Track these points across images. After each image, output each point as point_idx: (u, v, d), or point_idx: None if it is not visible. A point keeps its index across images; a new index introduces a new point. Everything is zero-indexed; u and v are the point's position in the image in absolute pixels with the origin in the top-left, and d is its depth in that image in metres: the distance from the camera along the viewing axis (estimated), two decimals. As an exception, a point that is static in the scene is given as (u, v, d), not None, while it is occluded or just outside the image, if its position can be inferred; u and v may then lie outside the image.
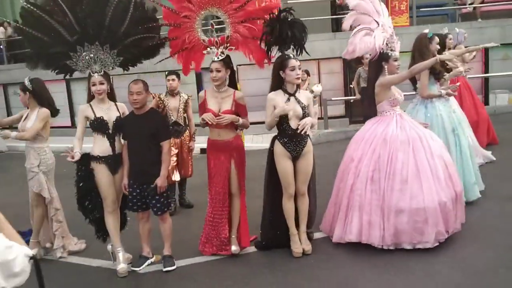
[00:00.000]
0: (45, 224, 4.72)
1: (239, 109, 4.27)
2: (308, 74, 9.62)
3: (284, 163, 4.10)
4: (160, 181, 4.00)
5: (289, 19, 4.07)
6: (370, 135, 4.29)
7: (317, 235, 4.59)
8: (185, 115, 5.70)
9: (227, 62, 4.21)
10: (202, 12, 4.19)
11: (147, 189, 4.04)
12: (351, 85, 9.83)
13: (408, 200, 3.93)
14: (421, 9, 11.94)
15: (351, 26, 4.28)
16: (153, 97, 5.56)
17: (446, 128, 5.11)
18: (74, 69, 4.12)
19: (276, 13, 4.06)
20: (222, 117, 4.11)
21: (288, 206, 4.19)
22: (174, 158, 5.54)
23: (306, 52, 4.19)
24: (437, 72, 5.15)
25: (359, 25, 4.23)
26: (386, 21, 4.28)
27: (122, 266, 4.15)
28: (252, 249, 4.46)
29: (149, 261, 4.30)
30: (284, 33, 4.05)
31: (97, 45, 3.99)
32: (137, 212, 4.22)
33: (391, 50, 4.30)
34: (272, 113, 4.01)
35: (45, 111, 4.51)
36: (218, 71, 4.15)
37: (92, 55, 4.01)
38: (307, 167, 4.17)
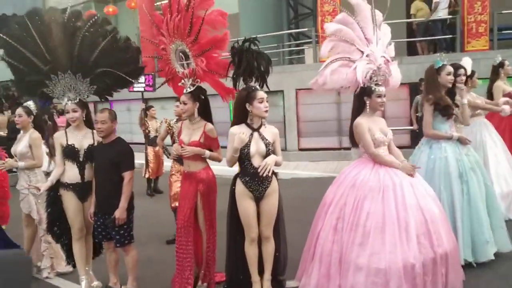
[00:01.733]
0: (37, 243, 4.88)
1: (209, 141, 4.10)
2: None
3: (245, 204, 3.79)
4: (118, 213, 3.91)
5: (254, 50, 3.82)
6: (344, 178, 3.82)
7: (292, 284, 4.16)
8: None
9: (196, 94, 4.10)
10: (173, 45, 4.10)
11: (107, 220, 3.98)
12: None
13: (368, 257, 3.38)
14: (503, 32, 10.70)
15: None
16: (164, 122, 5.71)
17: (451, 173, 4.35)
18: (52, 96, 4.24)
19: (241, 43, 3.83)
20: (184, 148, 3.99)
21: (250, 251, 3.85)
22: (178, 185, 5.49)
23: (267, 86, 3.89)
24: (442, 108, 4.45)
25: (338, 53, 3.82)
26: (377, 51, 3.80)
27: None
28: (218, 291, 4.19)
29: (115, 292, 4.22)
30: (251, 64, 3.81)
31: (70, 73, 4.06)
32: (103, 242, 4.19)
33: (376, 84, 3.80)
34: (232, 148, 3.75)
35: (39, 135, 4.71)
36: (185, 103, 4.10)
37: (66, 84, 4.08)
38: (271, 209, 3.81)
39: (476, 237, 4.25)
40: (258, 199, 3.79)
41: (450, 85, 4.55)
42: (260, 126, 3.80)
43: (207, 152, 4.06)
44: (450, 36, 10.85)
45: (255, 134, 3.76)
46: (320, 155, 11.24)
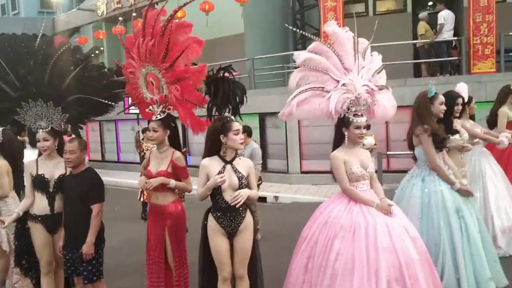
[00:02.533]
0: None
1: (177, 170, 3.93)
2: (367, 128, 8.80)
3: (217, 240, 3.57)
4: (85, 248, 3.73)
5: (230, 79, 3.66)
6: (320, 214, 3.61)
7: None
8: None
9: (166, 121, 3.95)
10: (143, 69, 3.94)
11: (74, 255, 3.80)
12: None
13: None
14: (510, 54, 10.39)
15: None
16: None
17: (448, 208, 4.08)
18: (24, 124, 4.10)
19: (216, 72, 3.66)
20: (149, 182, 3.82)
21: (223, 289, 3.63)
22: None
23: (239, 116, 3.71)
24: (439, 141, 4.21)
25: (310, 83, 3.63)
26: (357, 80, 3.59)
27: None
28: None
29: (83, 330, 4.01)
30: (227, 94, 3.63)
31: (41, 101, 3.92)
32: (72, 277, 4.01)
33: (355, 115, 3.58)
34: (205, 184, 3.54)
35: (4, 163, 4.46)
36: (155, 131, 3.94)
37: (37, 112, 3.95)
38: (245, 246, 3.58)
39: (479, 275, 3.97)
40: (231, 235, 3.57)
41: (442, 115, 4.33)
42: (233, 159, 3.60)
43: (173, 182, 3.87)
44: (456, 58, 10.60)
45: (228, 166, 3.55)
46: (323, 178, 10.91)
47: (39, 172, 3.96)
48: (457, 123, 4.87)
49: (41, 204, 3.96)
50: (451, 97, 4.75)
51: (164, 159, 3.95)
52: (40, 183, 3.95)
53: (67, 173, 3.98)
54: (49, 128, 3.98)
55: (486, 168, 5.31)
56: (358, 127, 3.56)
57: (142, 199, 8.51)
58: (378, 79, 3.84)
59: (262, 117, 11.81)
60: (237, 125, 3.55)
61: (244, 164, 3.62)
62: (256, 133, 11.60)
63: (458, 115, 4.82)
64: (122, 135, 15.49)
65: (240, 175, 3.53)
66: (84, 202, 3.80)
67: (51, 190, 3.96)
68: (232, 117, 3.64)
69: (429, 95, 4.32)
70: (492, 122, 6.10)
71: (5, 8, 28.12)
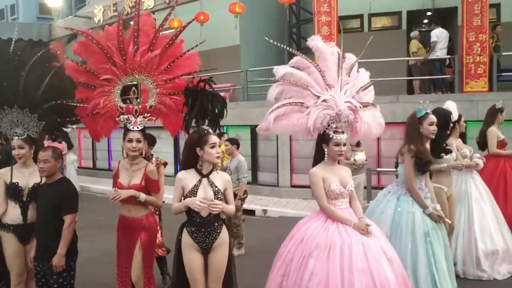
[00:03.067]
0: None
1: (149, 184, 3.85)
2: (358, 143, 8.75)
3: (190, 256, 3.47)
4: (56, 260, 3.62)
5: (209, 91, 3.59)
6: (297, 231, 3.53)
7: None
8: None
9: (145, 132, 3.86)
10: (126, 78, 3.86)
11: (45, 266, 3.69)
12: None
13: None
14: (503, 74, 10.39)
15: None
16: None
17: (416, 231, 4.03)
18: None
19: (195, 84, 3.60)
20: (117, 192, 3.72)
21: (196, 308, 3.52)
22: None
23: (219, 129, 3.64)
24: (422, 164, 4.15)
25: (289, 98, 3.57)
26: (339, 96, 3.53)
27: None
28: None
29: None
30: (205, 106, 3.57)
31: (17, 108, 3.84)
32: None
33: (335, 132, 3.51)
34: (182, 201, 3.45)
35: None
36: (139, 141, 3.84)
37: (13, 118, 3.87)
38: (220, 263, 3.48)
39: None
40: (205, 251, 3.47)
41: (433, 136, 4.27)
42: (210, 172, 3.52)
43: (143, 196, 3.79)
44: (448, 76, 10.61)
45: (204, 180, 3.47)
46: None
47: (13, 180, 3.87)
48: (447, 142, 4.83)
49: (14, 213, 3.86)
50: (445, 115, 4.71)
51: (137, 172, 3.85)
52: (13, 191, 3.86)
53: (42, 182, 3.89)
54: (25, 136, 3.90)
55: (472, 189, 5.24)
56: (337, 144, 3.50)
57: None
58: (363, 96, 3.79)
59: (254, 129, 11.74)
60: (213, 139, 3.47)
61: (221, 178, 3.53)
62: (247, 145, 11.57)
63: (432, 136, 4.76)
64: (114, 143, 15.35)
65: (216, 189, 3.45)
66: (57, 212, 3.69)
67: (24, 199, 3.87)
68: (210, 130, 3.55)
69: (418, 115, 4.27)
70: (482, 143, 6.05)
71: (3, 13, 28.10)
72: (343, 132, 3.53)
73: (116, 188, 3.80)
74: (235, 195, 6.42)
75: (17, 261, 3.87)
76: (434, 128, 4.28)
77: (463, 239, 5.08)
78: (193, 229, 3.46)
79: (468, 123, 8.25)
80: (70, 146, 12.62)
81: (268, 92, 3.61)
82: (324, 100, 3.49)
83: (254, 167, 11.69)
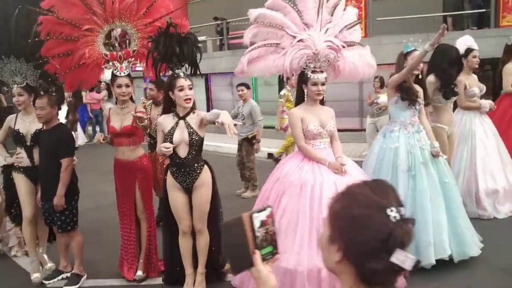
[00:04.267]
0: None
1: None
2: (382, 84, 8.54)
3: (174, 195, 3.66)
4: (56, 200, 3.91)
5: (178, 34, 3.60)
6: (276, 170, 3.62)
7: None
8: None
9: (131, 77, 3.98)
10: (107, 26, 3.95)
11: (49, 206, 4.01)
12: None
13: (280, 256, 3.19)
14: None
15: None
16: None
17: (399, 165, 4.00)
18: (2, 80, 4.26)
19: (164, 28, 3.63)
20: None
21: (182, 243, 3.75)
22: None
23: (199, 72, 3.68)
24: (404, 90, 4.09)
25: (265, 40, 3.54)
26: (318, 35, 3.48)
27: (35, 276, 4.24)
28: (159, 280, 4.12)
29: (63, 275, 4.28)
30: (171, 50, 3.60)
31: (14, 58, 4.05)
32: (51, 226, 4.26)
33: (313, 71, 3.49)
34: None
35: None
36: (128, 86, 3.98)
37: (11, 67, 4.09)
38: (201, 202, 3.65)
39: (418, 237, 3.83)
40: (188, 190, 3.65)
41: (418, 73, 4.16)
42: (187, 114, 3.61)
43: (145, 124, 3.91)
44: (483, 10, 9.95)
45: (181, 122, 3.58)
46: (340, 137, 10.78)
47: (16, 127, 4.15)
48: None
49: (22, 157, 4.17)
50: (452, 51, 4.55)
51: (127, 115, 3.99)
52: (16, 137, 4.15)
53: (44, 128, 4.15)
54: (24, 84, 4.12)
55: (477, 128, 5.08)
56: (315, 84, 3.49)
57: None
58: (347, 35, 3.72)
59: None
60: (181, 82, 3.51)
61: (197, 119, 3.61)
62: (275, 90, 11.51)
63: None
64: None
65: (191, 130, 3.55)
66: (55, 156, 3.95)
67: (28, 144, 4.15)
68: (181, 73, 3.58)
69: (405, 51, 4.16)
70: (500, 83, 5.77)
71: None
72: (322, 72, 3.50)
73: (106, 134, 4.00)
74: (253, 139, 6.60)
75: (29, 200, 4.18)
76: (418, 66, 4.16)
77: (464, 178, 4.99)
78: (174, 169, 3.63)
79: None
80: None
81: (244, 36, 3.60)
82: (301, 40, 3.46)
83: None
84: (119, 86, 3.94)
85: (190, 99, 3.52)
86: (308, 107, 3.61)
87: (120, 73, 3.96)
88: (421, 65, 4.18)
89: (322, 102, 3.70)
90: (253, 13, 3.53)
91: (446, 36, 10.10)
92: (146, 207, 4.11)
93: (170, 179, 3.67)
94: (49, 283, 4.21)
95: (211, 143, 10.22)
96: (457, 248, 3.92)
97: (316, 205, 3.21)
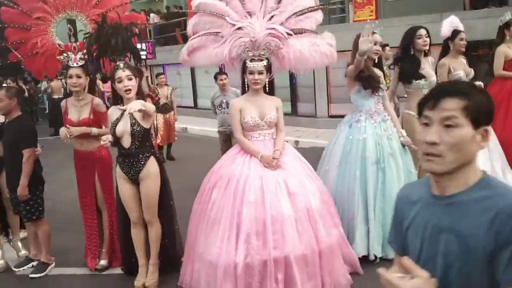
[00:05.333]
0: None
1: (98, 116, 4.00)
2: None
3: (122, 186, 3.68)
4: (18, 190, 4.00)
5: (109, 26, 3.57)
6: (217, 162, 3.56)
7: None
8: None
9: (86, 68, 3.99)
10: (60, 15, 3.96)
11: (13, 195, 4.11)
12: None
13: (204, 248, 3.23)
14: None
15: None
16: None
17: (367, 157, 3.84)
18: None
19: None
20: (69, 130, 3.89)
21: (133, 233, 3.76)
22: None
23: (140, 62, 3.64)
24: (364, 78, 3.89)
25: (207, 29, 3.45)
26: (259, 23, 3.37)
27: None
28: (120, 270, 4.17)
29: (33, 263, 4.39)
30: (104, 42, 3.57)
31: None
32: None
33: (252, 60, 3.37)
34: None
35: None
36: (79, 77, 3.95)
37: None
38: (147, 193, 3.63)
39: (387, 230, 3.71)
40: (135, 181, 3.65)
41: (376, 57, 3.96)
42: None
43: (95, 130, 3.95)
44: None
45: (125, 113, 3.54)
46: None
47: None
48: (426, 63, 4.42)
49: None
50: (409, 32, 4.32)
51: (84, 106, 4.00)
52: None
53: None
54: None
55: None
56: (251, 72, 3.38)
57: (157, 142, 8.86)
58: (296, 22, 3.58)
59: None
60: (119, 73, 3.50)
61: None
62: (286, 76, 11.35)
63: (426, 48, 4.35)
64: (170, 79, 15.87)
65: (134, 121, 3.53)
66: (17, 147, 4.03)
67: None
68: (121, 64, 3.55)
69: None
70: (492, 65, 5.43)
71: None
72: (260, 60, 3.39)
73: (68, 126, 4.02)
74: None
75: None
76: (377, 47, 3.96)
77: None
78: (120, 159, 3.64)
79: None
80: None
81: (187, 26, 3.54)
82: (240, 28, 3.35)
83: (293, 99, 11.55)
84: (70, 76, 3.92)
85: (130, 89, 3.50)
86: (249, 98, 3.52)
87: (73, 64, 3.96)
88: (379, 49, 3.97)
89: (268, 92, 3.58)
90: (194, 2, 3.46)
91: (464, 16, 9.60)
92: (106, 197, 4.13)
93: (118, 169, 3.68)
94: (18, 271, 4.33)
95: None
96: None
97: (238, 199, 3.15)
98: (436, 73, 4.70)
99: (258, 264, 3.01)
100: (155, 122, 8.70)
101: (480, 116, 1.32)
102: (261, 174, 3.23)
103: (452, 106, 1.30)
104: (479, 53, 8.96)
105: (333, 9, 13.55)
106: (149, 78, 8.65)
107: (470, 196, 1.31)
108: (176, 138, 9.09)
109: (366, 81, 3.88)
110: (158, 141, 8.79)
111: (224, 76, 6.44)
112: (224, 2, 3.43)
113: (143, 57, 8.58)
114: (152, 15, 16.36)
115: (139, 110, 3.20)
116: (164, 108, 8.65)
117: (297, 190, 3.24)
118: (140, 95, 3.66)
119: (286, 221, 3.09)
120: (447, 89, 1.35)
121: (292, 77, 11.41)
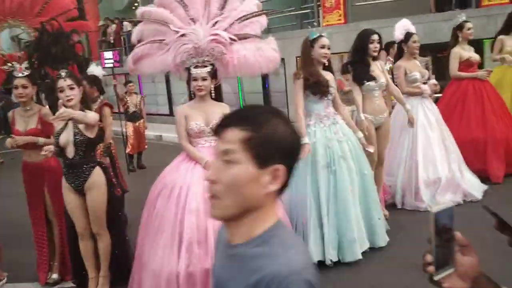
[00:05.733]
0: None
1: (46, 126, 3.88)
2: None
3: (67, 197, 3.59)
4: None
5: (50, 34, 3.50)
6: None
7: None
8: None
9: (34, 77, 3.88)
10: (2, 24, 3.88)
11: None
12: None
13: (149, 257, 3.16)
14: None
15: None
16: None
17: (318, 162, 3.82)
18: None
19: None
20: (15, 139, 3.78)
21: (80, 245, 3.68)
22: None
23: (82, 71, 3.58)
24: (312, 84, 3.86)
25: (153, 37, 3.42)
26: (202, 29, 3.33)
27: None
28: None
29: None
30: (44, 51, 3.51)
31: None
32: None
33: (195, 67, 3.33)
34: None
35: None
36: (25, 87, 3.83)
37: None
38: (93, 205, 3.56)
39: (343, 235, 3.76)
40: (80, 192, 3.56)
41: (325, 60, 3.94)
42: None
43: (41, 139, 3.84)
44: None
45: (69, 123, 3.48)
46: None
47: None
48: (375, 66, 4.43)
49: None
50: (362, 35, 4.33)
51: (32, 116, 3.90)
52: None
53: None
54: None
55: (420, 116, 4.80)
56: (195, 79, 3.33)
57: (127, 151, 8.76)
58: (240, 27, 3.54)
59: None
60: (60, 83, 3.43)
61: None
62: (259, 81, 11.37)
63: (375, 54, 4.37)
64: (144, 88, 15.76)
65: (77, 130, 3.46)
66: None
67: None
68: (63, 73, 3.47)
69: (310, 38, 3.94)
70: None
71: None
72: (204, 66, 3.34)
73: (14, 136, 3.92)
74: None
75: None
76: (325, 51, 3.93)
77: (405, 169, 4.76)
78: (65, 170, 3.57)
79: (487, 40, 7.46)
80: (102, 92, 13.13)
81: (132, 35, 3.50)
82: (184, 35, 3.31)
83: (267, 104, 11.54)
84: (16, 87, 3.82)
85: (71, 99, 3.42)
86: (194, 104, 3.47)
87: (18, 74, 3.87)
88: (328, 52, 3.96)
89: (216, 98, 3.53)
90: (139, 10, 3.44)
91: (430, 19, 9.66)
92: (56, 209, 4.02)
93: (63, 181, 3.59)
94: (-26, 287, 4.22)
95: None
96: (369, 237, 3.93)
97: (180, 207, 3.10)
98: (392, 75, 4.73)
99: (200, 273, 2.97)
100: (124, 130, 8.65)
101: (269, 153, 1.08)
102: (203, 182, 3.17)
103: (232, 137, 1.09)
104: (444, 54, 9.03)
105: (305, 13, 13.67)
106: (117, 86, 8.53)
107: (247, 251, 1.09)
108: (146, 147, 8.99)
109: (314, 88, 3.87)
110: (128, 149, 8.71)
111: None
112: (169, 10, 3.39)
113: (110, 65, 8.53)
114: (125, 23, 16.24)
115: (72, 118, 3.10)
116: (133, 116, 8.58)
117: None
118: (84, 104, 3.59)
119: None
120: (236, 115, 1.14)
121: (265, 82, 11.44)
